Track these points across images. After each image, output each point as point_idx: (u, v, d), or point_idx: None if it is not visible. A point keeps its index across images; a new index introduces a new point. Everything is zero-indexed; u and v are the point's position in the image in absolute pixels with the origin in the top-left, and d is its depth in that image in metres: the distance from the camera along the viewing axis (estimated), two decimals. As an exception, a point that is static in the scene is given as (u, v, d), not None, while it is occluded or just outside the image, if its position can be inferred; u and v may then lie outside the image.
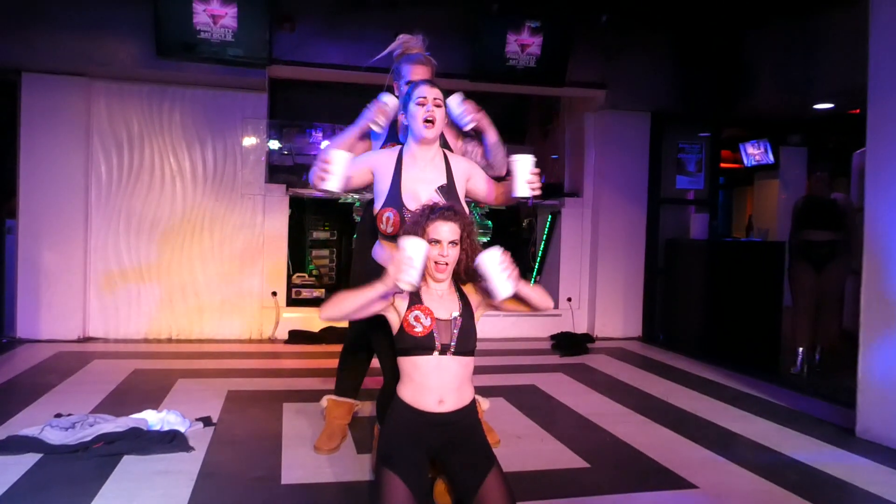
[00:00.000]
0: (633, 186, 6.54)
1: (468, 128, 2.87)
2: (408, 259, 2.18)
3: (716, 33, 6.17)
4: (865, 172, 3.69)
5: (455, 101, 2.81)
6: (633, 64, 6.37)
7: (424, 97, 2.58)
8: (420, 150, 2.66)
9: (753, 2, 5.57)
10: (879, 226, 3.58)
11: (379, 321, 2.44)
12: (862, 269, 3.68)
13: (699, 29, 6.19)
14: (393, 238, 2.56)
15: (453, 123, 2.99)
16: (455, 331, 2.31)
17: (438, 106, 2.61)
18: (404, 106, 2.68)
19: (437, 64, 3.21)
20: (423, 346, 2.29)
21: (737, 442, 3.52)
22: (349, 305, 2.30)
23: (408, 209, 2.56)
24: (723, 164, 8.08)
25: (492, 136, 2.93)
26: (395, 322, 2.36)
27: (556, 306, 6.63)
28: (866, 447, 3.46)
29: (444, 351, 2.29)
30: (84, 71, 5.53)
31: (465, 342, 2.33)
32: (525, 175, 2.54)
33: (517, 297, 2.40)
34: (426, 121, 2.59)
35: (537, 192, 2.57)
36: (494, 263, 2.29)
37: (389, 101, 2.92)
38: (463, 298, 2.40)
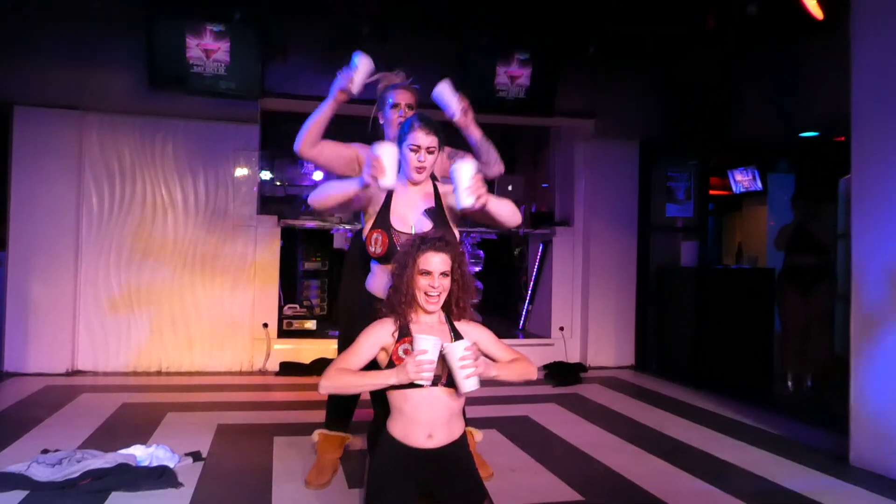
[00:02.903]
0: (624, 215, 6.58)
1: (462, 209, 2.52)
2: (429, 362, 2.19)
3: (702, 63, 6.27)
4: (851, 199, 3.72)
5: (467, 173, 2.43)
6: (621, 93, 6.45)
7: (418, 145, 2.63)
8: (410, 183, 2.73)
9: (738, 32, 5.66)
10: (866, 251, 3.61)
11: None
12: (849, 294, 3.70)
13: (685, 59, 6.28)
14: (382, 259, 2.59)
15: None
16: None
17: (431, 153, 2.65)
18: (399, 142, 2.72)
19: (420, 89, 3.27)
20: None
21: (731, 472, 3.50)
22: (354, 388, 2.36)
23: (396, 230, 2.62)
24: (712, 192, 8.13)
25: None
26: (382, 358, 2.35)
27: (549, 336, 6.62)
28: (860, 476, 3.45)
29: (435, 383, 2.27)
30: (77, 104, 5.55)
31: None
32: (465, 183, 2.41)
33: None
34: (417, 169, 2.65)
35: (483, 201, 2.43)
36: (455, 357, 2.21)
37: (361, 62, 2.81)
38: (455, 333, 2.39)
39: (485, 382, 2.31)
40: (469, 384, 2.21)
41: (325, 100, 2.95)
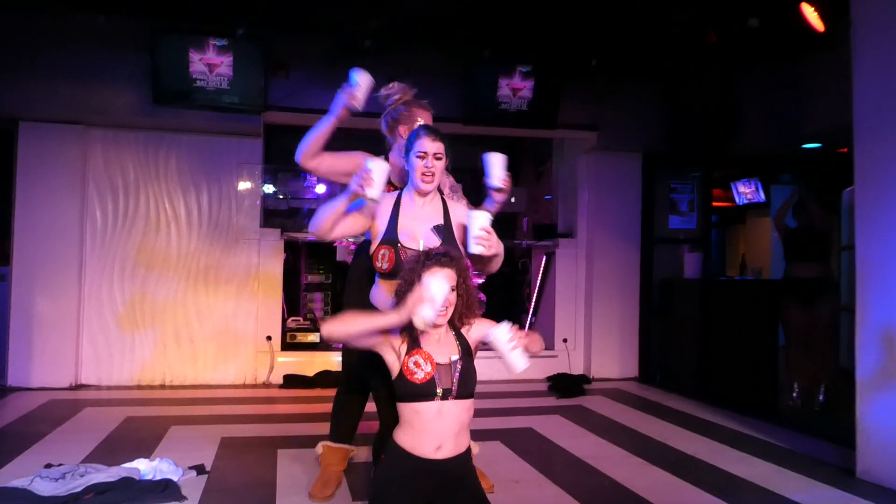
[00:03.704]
0: (627, 227, 6.58)
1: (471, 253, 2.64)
2: (430, 298, 2.22)
3: (704, 75, 6.28)
4: (855, 211, 3.72)
5: (481, 222, 2.57)
6: (623, 106, 6.46)
7: (425, 152, 2.63)
8: (418, 194, 2.73)
9: (740, 44, 5.68)
10: (870, 262, 3.60)
11: (376, 365, 2.43)
12: (853, 305, 3.69)
13: (688, 71, 6.30)
14: (388, 275, 2.59)
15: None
16: (456, 375, 2.30)
17: (439, 159, 2.66)
18: (406, 153, 2.73)
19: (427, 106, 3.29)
20: (425, 392, 2.27)
21: (737, 485, 3.48)
22: (356, 329, 2.31)
23: (403, 246, 2.61)
24: (715, 203, 8.15)
25: None
26: (393, 365, 2.33)
27: (553, 347, 6.61)
28: (867, 489, 3.42)
29: (445, 396, 2.27)
30: (80, 119, 5.59)
31: (466, 385, 2.31)
32: (475, 231, 2.56)
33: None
34: (424, 175, 2.65)
35: (490, 252, 2.58)
36: (504, 340, 2.30)
37: (361, 79, 2.90)
38: (461, 340, 2.39)
39: (488, 393, 2.32)
40: (522, 361, 2.29)
41: (327, 114, 2.98)
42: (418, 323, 2.23)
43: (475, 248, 2.56)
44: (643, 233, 6.62)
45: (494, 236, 2.60)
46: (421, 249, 2.57)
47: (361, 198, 2.58)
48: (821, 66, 5.49)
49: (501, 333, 2.30)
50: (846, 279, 5.86)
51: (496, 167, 2.79)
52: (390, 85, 3.29)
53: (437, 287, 2.22)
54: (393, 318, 2.26)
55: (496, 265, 2.76)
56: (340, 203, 2.61)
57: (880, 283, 3.54)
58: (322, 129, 2.99)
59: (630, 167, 6.59)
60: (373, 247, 2.69)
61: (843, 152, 5.75)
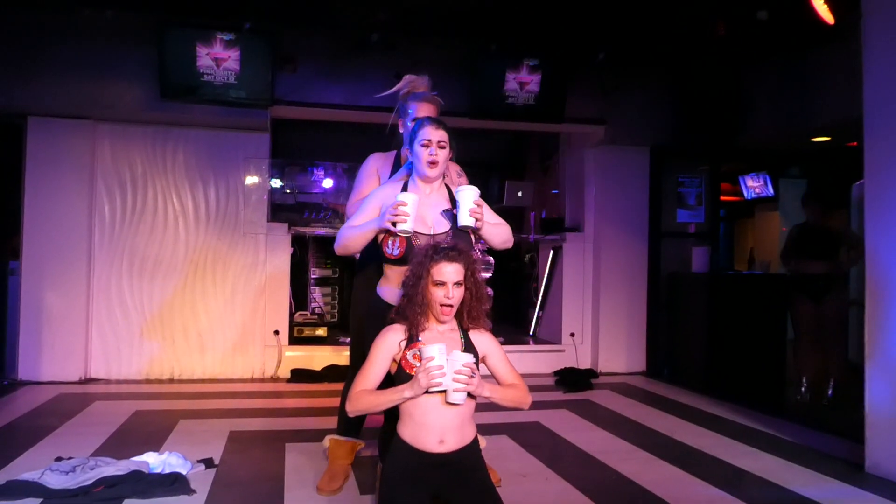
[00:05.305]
0: (634, 221, 6.56)
1: (463, 225, 2.64)
2: (438, 367, 2.22)
3: (712, 68, 6.25)
4: (865, 205, 3.70)
5: (471, 196, 2.61)
6: (631, 99, 6.44)
7: (429, 139, 2.65)
8: (423, 182, 2.76)
9: (749, 37, 5.65)
10: (880, 257, 3.58)
11: None
12: (863, 299, 3.67)
13: (696, 64, 6.27)
14: (399, 262, 2.60)
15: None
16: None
17: (443, 147, 2.67)
18: (409, 143, 2.74)
19: (443, 103, 3.27)
20: None
21: (744, 479, 3.48)
22: (373, 405, 2.35)
23: (416, 232, 2.62)
24: (723, 197, 8.09)
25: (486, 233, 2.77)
26: (392, 367, 2.34)
27: (560, 342, 6.61)
28: (875, 483, 3.41)
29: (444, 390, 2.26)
30: (89, 114, 5.61)
31: None
32: (468, 205, 2.60)
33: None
34: (430, 163, 2.66)
35: (480, 225, 2.64)
36: (469, 199, 2.56)
37: (407, 198, 2.58)
38: (467, 340, 2.38)
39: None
40: (456, 397, 2.25)
41: (373, 221, 2.69)
42: (434, 389, 2.26)
43: (468, 221, 2.59)
44: (651, 227, 6.60)
45: (486, 209, 2.67)
46: (432, 233, 2.61)
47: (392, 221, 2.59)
48: (830, 58, 5.45)
49: (455, 361, 2.23)
50: (855, 273, 5.83)
51: (466, 202, 2.61)
52: (405, 78, 3.27)
53: (437, 352, 2.23)
54: (407, 395, 2.26)
55: (501, 238, 2.81)
56: (371, 233, 2.66)
57: (891, 276, 3.51)
58: (363, 234, 2.71)
59: (638, 161, 6.57)
60: (381, 234, 2.69)
61: (853, 146, 5.71)
